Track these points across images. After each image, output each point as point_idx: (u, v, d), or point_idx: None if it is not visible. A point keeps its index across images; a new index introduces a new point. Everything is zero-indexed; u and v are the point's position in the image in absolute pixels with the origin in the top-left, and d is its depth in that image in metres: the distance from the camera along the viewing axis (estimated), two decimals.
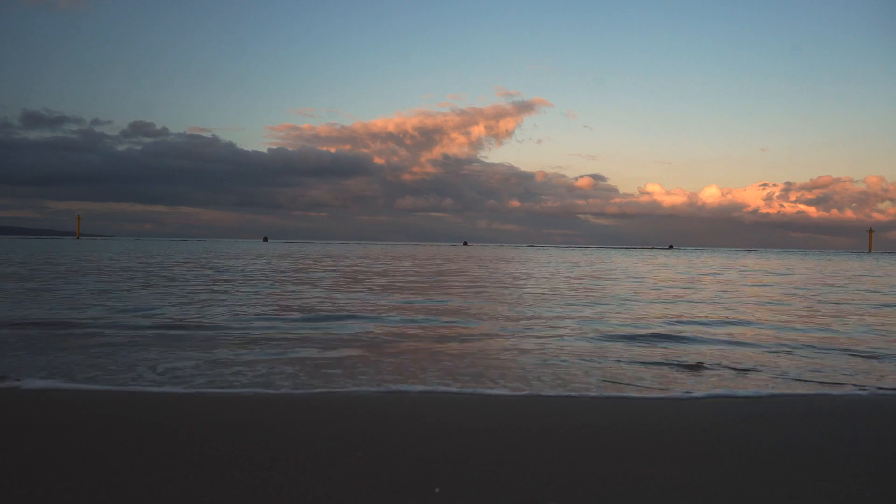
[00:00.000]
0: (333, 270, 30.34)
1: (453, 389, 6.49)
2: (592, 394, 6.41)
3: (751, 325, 12.55)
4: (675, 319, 13.04)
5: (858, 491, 3.53)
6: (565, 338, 10.23)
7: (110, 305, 13.59)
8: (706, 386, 6.90)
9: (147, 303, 14.22)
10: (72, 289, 17.65)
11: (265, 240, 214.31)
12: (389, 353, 8.56)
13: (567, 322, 12.31)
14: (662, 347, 9.52)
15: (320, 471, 3.68)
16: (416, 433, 4.57)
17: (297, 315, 12.56)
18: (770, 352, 9.25)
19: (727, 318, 13.64)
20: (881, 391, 6.77)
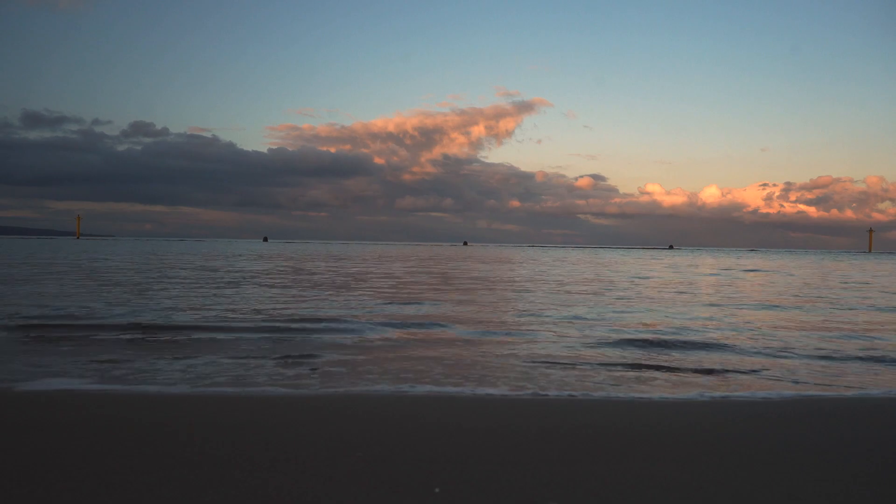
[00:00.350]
0: (310, 274, 30.31)
1: (453, 390, 6.49)
2: (593, 394, 6.41)
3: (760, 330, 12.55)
4: (701, 326, 13.02)
5: (858, 491, 3.53)
6: (577, 342, 10.22)
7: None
8: (709, 387, 6.90)
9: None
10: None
11: (265, 240, 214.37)
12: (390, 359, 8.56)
13: (596, 327, 12.31)
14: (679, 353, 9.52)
15: (320, 471, 3.68)
16: (416, 433, 4.57)
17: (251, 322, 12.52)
18: (779, 356, 9.25)
19: (740, 324, 13.62)
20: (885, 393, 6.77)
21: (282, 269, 31.31)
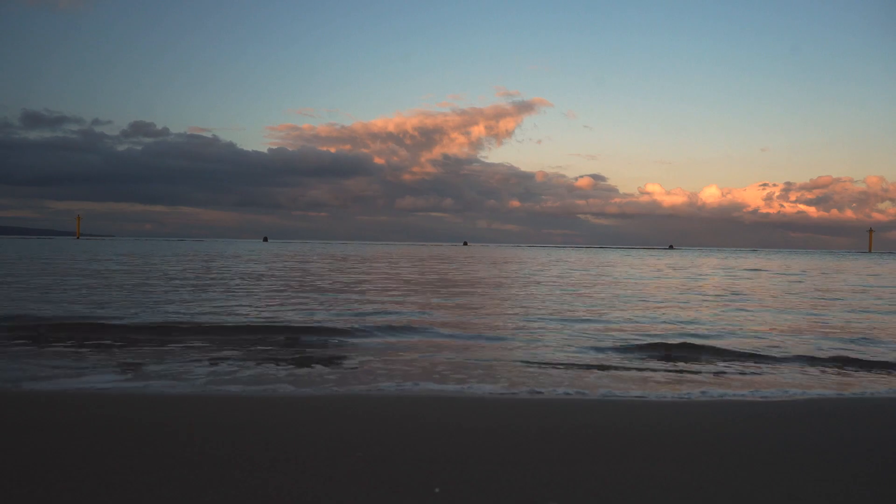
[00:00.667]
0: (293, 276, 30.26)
1: (453, 390, 6.49)
2: (593, 394, 6.41)
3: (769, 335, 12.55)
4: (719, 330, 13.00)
5: (858, 491, 3.53)
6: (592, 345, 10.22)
7: None
8: (709, 388, 6.90)
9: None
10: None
11: (265, 240, 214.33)
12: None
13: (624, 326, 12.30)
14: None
15: (320, 471, 3.68)
16: (416, 433, 4.57)
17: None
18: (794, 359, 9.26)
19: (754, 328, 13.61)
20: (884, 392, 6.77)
21: (280, 270, 31.29)
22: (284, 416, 5.11)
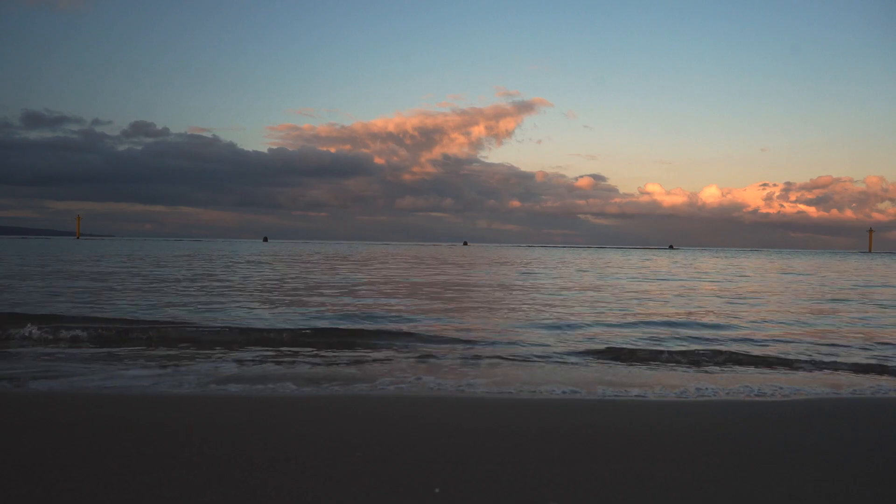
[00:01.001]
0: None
1: (453, 390, 6.49)
2: (593, 394, 6.41)
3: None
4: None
5: (858, 491, 3.52)
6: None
7: None
8: (710, 388, 6.90)
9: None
10: None
11: (265, 240, 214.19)
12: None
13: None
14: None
15: (320, 471, 3.67)
16: (416, 433, 4.57)
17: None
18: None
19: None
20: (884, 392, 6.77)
21: (297, 274, 31.26)
22: (284, 416, 5.10)
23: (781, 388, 6.77)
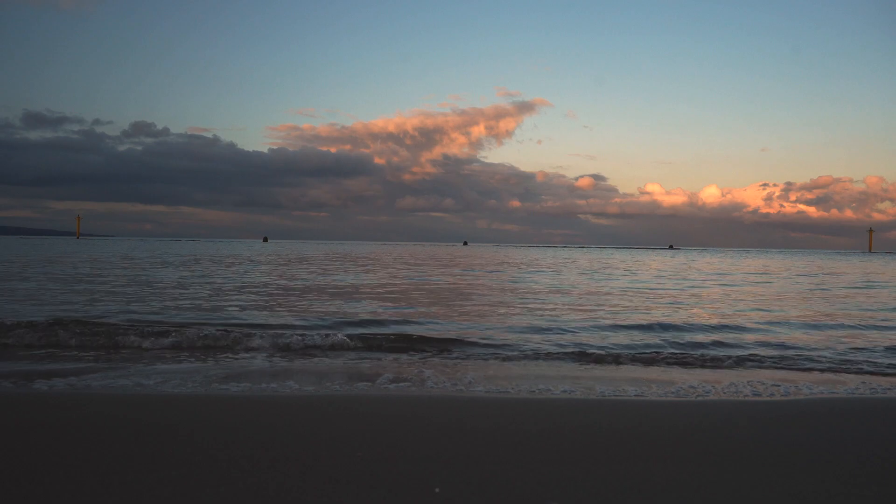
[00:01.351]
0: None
1: (453, 390, 6.49)
2: (593, 394, 6.41)
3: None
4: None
5: (858, 491, 3.53)
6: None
7: None
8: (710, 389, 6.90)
9: None
10: None
11: (265, 240, 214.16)
12: None
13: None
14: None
15: (321, 471, 3.68)
16: (416, 433, 4.57)
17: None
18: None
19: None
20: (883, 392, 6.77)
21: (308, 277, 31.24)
22: (284, 416, 5.10)
23: (780, 387, 6.77)
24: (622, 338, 10.46)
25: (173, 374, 6.95)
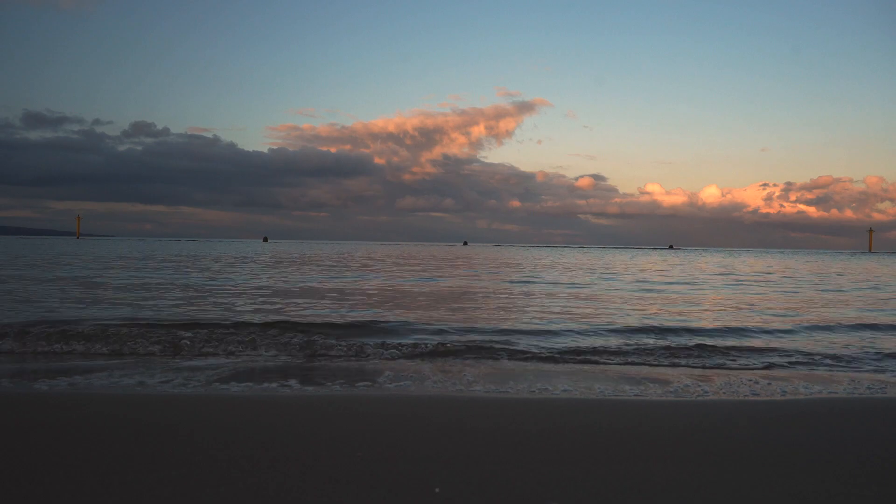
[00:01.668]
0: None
1: (454, 390, 6.49)
2: (593, 394, 6.41)
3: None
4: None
5: (858, 491, 3.53)
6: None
7: None
8: (709, 389, 6.90)
9: None
10: None
11: (265, 240, 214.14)
12: None
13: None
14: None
15: (321, 471, 3.68)
16: (417, 433, 4.57)
17: None
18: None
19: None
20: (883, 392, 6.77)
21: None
22: (284, 416, 5.10)
23: (780, 387, 6.77)
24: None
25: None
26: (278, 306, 14.01)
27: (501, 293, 19.03)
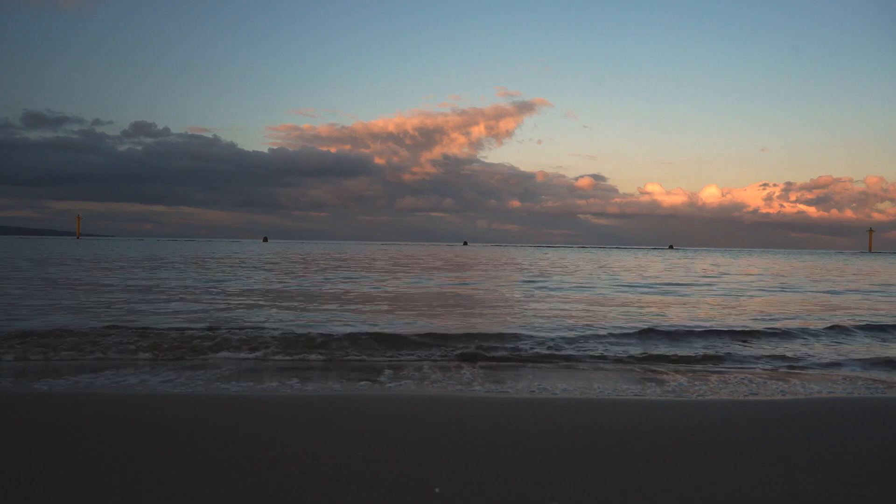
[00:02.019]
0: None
1: (454, 390, 6.49)
2: (593, 394, 6.41)
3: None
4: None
5: (858, 491, 3.52)
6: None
7: None
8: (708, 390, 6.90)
9: None
10: None
11: (265, 240, 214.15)
12: None
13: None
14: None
15: (321, 471, 3.68)
16: (417, 433, 4.57)
17: None
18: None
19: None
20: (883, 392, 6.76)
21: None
22: (284, 416, 5.10)
23: (780, 387, 6.77)
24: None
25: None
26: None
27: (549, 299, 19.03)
